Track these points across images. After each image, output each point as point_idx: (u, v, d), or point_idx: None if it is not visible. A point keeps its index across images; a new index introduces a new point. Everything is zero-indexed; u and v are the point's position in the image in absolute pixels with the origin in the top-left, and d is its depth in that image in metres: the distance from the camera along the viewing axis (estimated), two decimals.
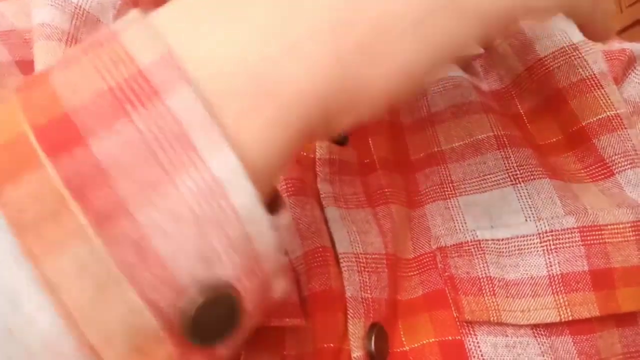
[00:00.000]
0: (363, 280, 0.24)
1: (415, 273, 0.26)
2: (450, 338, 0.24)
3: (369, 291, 0.24)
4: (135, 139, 0.13)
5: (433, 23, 0.15)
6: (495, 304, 0.24)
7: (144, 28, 0.14)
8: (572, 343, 0.24)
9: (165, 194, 0.13)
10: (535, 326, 0.24)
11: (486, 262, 0.25)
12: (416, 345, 0.24)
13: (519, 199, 0.26)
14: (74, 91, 0.14)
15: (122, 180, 0.13)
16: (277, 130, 0.15)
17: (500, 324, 0.24)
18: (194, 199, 0.13)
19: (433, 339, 0.24)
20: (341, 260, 0.24)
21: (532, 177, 0.26)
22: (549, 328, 0.24)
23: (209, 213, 0.13)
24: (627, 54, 0.30)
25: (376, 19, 0.15)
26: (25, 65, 0.26)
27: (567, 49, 0.29)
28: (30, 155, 0.13)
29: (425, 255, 0.26)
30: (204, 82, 0.14)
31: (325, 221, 0.25)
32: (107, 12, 0.28)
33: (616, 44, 0.31)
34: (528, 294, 0.24)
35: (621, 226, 0.25)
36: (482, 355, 0.23)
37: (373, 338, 0.23)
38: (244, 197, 0.14)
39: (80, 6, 0.27)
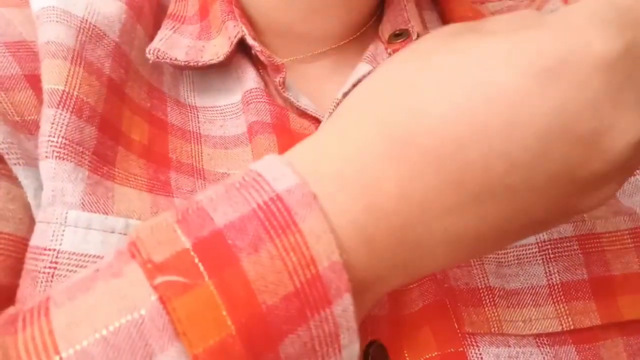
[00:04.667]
0: None
1: (414, 285, 0.26)
2: (452, 350, 0.23)
3: None
4: (307, 338, 0.16)
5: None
6: (496, 314, 0.24)
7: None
8: (576, 352, 0.23)
9: (304, 336, 0.16)
10: (538, 335, 0.24)
11: (485, 272, 0.25)
12: None
13: None
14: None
15: (289, 347, 0.16)
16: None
17: (503, 334, 0.24)
18: (317, 339, 0.16)
19: (435, 353, 0.23)
20: None
21: None
22: (552, 337, 0.24)
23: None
24: None
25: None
26: (35, 80, 0.25)
27: None
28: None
29: None
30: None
31: None
32: (113, 26, 0.28)
33: None
34: (529, 304, 0.24)
35: (619, 233, 0.25)
36: None
37: (370, 357, 0.23)
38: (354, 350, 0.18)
39: (87, 20, 0.27)
